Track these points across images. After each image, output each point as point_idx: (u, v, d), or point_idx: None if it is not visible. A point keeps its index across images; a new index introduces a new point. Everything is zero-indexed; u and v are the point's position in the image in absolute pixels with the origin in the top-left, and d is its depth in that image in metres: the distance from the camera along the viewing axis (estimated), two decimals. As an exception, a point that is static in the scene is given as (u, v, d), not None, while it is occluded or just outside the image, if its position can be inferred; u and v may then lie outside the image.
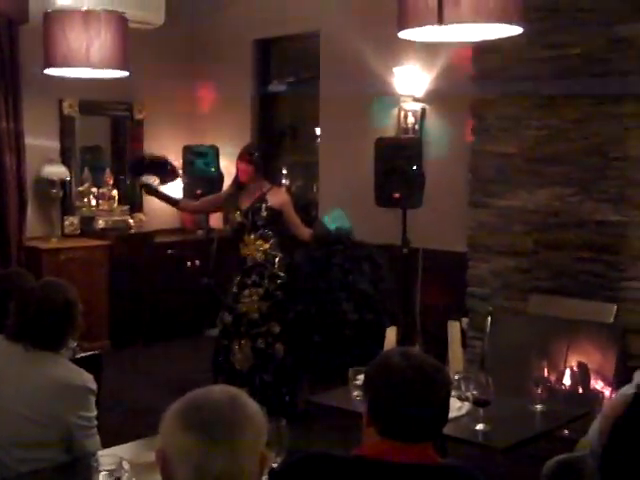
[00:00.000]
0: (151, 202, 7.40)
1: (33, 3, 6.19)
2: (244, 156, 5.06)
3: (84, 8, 4.24)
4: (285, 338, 4.93)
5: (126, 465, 2.34)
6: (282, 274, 4.97)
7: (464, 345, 3.94)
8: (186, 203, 5.75)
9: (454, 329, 3.52)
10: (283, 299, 4.93)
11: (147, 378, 5.89)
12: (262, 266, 4.98)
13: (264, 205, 5.00)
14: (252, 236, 4.98)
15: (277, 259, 4.99)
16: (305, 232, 5.10)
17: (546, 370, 3.46)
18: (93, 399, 2.68)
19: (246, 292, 4.98)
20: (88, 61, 4.01)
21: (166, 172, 5.37)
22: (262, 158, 5.10)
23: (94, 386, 2.69)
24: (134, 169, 5.79)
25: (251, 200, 5.03)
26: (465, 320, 5.40)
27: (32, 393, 2.59)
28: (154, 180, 5.44)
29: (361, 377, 2.93)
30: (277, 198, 5.06)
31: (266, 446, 1.60)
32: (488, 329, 5.14)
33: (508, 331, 5.06)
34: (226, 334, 5.03)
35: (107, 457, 2.36)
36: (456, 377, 3.31)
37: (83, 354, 3.59)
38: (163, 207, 7.47)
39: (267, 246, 4.99)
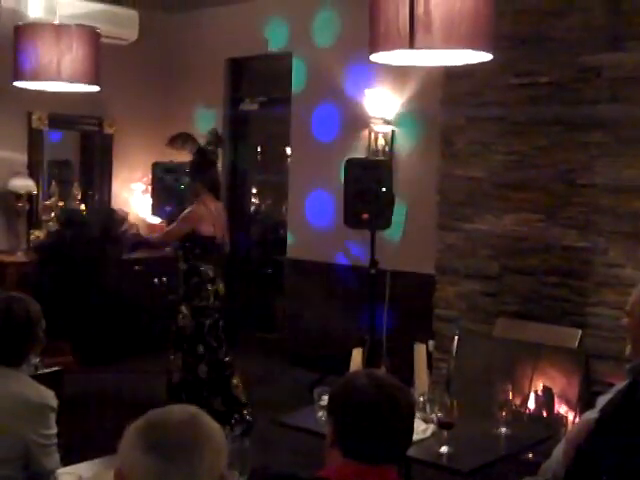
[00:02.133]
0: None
1: (5, 15, 6.14)
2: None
3: (56, 22, 4.21)
4: (210, 358, 4.95)
5: (85, 484, 2.30)
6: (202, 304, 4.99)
7: (430, 367, 3.93)
8: (159, 236, 5.86)
9: (420, 351, 3.51)
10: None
11: (111, 395, 5.81)
12: (188, 284, 5.01)
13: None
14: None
15: (209, 288, 5.00)
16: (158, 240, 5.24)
17: (511, 393, 3.45)
18: (53, 416, 2.63)
19: (183, 307, 5.00)
20: (59, 75, 3.98)
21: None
22: (198, 173, 5.09)
23: (55, 403, 2.65)
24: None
25: None
26: (431, 342, 5.39)
27: (-9, 409, 2.54)
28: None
29: (326, 398, 2.92)
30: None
31: (229, 466, 1.57)
32: (454, 351, 5.15)
33: (474, 354, 5.07)
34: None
35: (66, 475, 2.32)
36: (421, 399, 3.30)
37: (45, 370, 3.54)
38: (131, 223, 7.46)
39: (184, 267, 5.01)
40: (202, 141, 5.21)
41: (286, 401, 5.19)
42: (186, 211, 5.01)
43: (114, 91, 6.57)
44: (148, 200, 6.68)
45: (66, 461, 2.65)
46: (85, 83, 4.14)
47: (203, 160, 5.10)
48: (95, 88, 4.25)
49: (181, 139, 5.22)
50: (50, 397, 2.64)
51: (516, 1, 5.15)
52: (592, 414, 2.59)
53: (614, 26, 4.81)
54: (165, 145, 5.23)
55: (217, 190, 5.19)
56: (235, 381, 5.04)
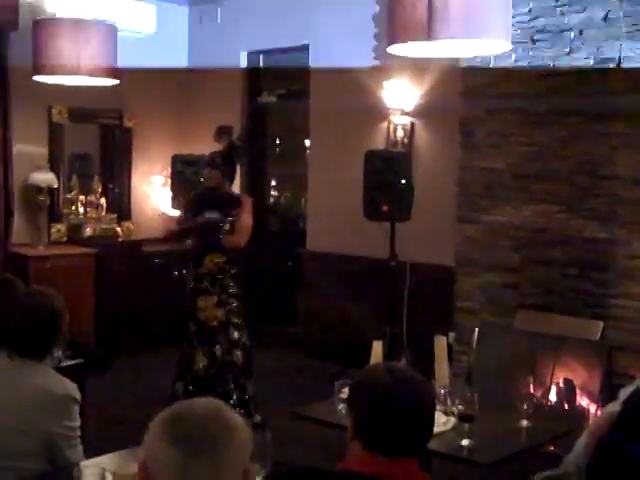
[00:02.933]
0: (139, 210, 7.41)
1: (23, 10, 6.18)
2: (209, 162, 5.12)
3: (75, 16, 4.24)
4: (244, 344, 5.01)
5: (109, 476, 2.33)
6: (232, 284, 5.03)
7: (450, 359, 3.93)
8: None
9: (441, 344, 3.51)
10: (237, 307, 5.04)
11: (132, 388, 5.85)
12: (212, 275, 5.03)
13: (224, 218, 5.04)
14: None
15: (232, 271, 5.03)
16: (239, 238, 5.07)
17: (532, 386, 3.46)
18: (77, 408, 2.66)
19: (200, 301, 5.02)
20: (78, 69, 4.01)
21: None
22: (227, 163, 5.13)
23: (78, 395, 2.67)
24: None
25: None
26: (452, 335, 5.39)
27: (15, 402, 2.57)
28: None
29: (346, 390, 2.93)
30: (235, 208, 5.07)
31: (251, 459, 1.58)
32: (475, 344, 5.15)
33: (495, 346, 5.06)
34: (190, 342, 5.10)
35: (90, 468, 2.34)
36: (442, 392, 3.30)
37: (67, 363, 3.58)
38: (151, 216, 7.51)
39: (222, 260, 5.02)
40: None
41: (306, 393, 5.20)
42: (246, 198, 5.11)
43: (133, 84, 6.59)
44: (168, 193, 6.70)
45: (89, 453, 2.68)
46: (104, 77, 4.17)
47: (231, 154, 5.16)
48: (114, 81, 4.28)
49: (219, 131, 5.26)
50: (73, 389, 2.66)
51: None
52: (615, 406, 2.58)
53: (634, 16, 4.77)
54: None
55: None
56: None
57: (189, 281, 5.19)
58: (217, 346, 5.04)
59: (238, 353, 5.02)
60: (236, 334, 5.03)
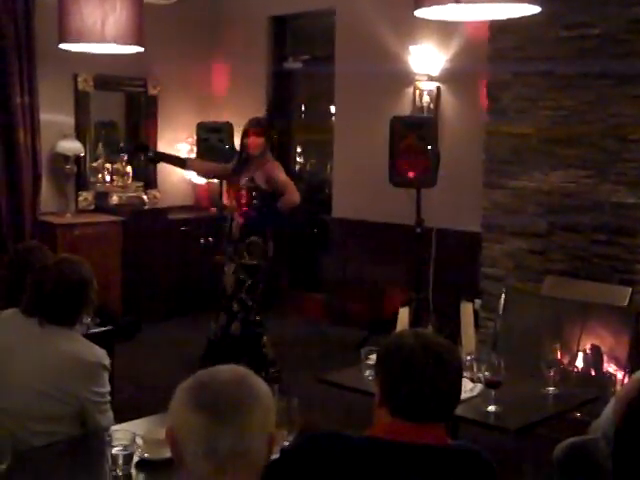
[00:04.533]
0: (165, 179, 7.43)
1: (49, -23, 6.17)
2: (255, 127, 5.04)
3: (100, -17, 4.22)
4: (243, 316, 5.03)
5: (139, 440, 2.36)
6: (247, 254, 5.02)
7: (477, 326, 3.93)
8: (193, 162, 5.79)
9: (467, 310, 3.51)
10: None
11: (160, 354, 5.92)
12: (236, 242, 5.05)
13: (254, 185, 5.02)
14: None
15: (251, 238, 5.02)
16: (291, 198, 5.04)
17: (559, 352, 3.45)
18: (106, 375, 2.69)
19: (226, 266, 5.10)
20: (103, 36, 3.99)
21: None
22: (271, 130, 5.12)
23: (107, 362, 2.70)
24: (137, 150, 5.88)
25: (250, 174, 5.04)
26: (478, 301, 5.39)
27: (46, 367, 2.61)
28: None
29: (373, 357, 2.94)
30: (264, 174, 5.02)
31: (277, 425, 1.60)
32: (501, 310, 5.14)
33: (521, 313, 5.05)
34: (219, 304, 5.20)
35: (120, 432, 2.37)
36: (468, 358, 3.30)
37: (96, 330, 3.62)
38: (177, 184, 7.53)
39: (242, 222, 5.05)
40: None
41: (332, 360, 5.24)
42: (281, 173, 5.06)
43: (158, 52, 6.57)
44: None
45: (119, 419, 2.72)
46: (129, 44, 4.15)
47: (273, 119, 5.18)
48: (139, 49, 4.26)
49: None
50: (103, 356, 2.70)
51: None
52: (642, 373, 2.57)
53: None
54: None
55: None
56: (264, 339, 5.11)
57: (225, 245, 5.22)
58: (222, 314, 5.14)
59: (236, 325, 5.05)
60: (235, 306, 5.05)
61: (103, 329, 3.82)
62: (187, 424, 1.51)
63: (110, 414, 2.69)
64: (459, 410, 2.08)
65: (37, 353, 2.64)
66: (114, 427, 2.56)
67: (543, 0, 2.78)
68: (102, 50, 4.37)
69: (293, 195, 5.04)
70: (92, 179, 7.06)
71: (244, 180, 5.04)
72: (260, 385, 1.58)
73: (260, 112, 7.25)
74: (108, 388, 2.70)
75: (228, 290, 5.08)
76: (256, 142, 5.00)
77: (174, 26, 7.34)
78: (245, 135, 5.06)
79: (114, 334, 3.97)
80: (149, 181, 7.40)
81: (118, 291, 6.57)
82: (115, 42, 4.06)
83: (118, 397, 2.96)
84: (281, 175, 5.05)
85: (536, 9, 2.81)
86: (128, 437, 2.31)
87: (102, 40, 4.02)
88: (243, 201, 5.05)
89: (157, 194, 7.42)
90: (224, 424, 1.50)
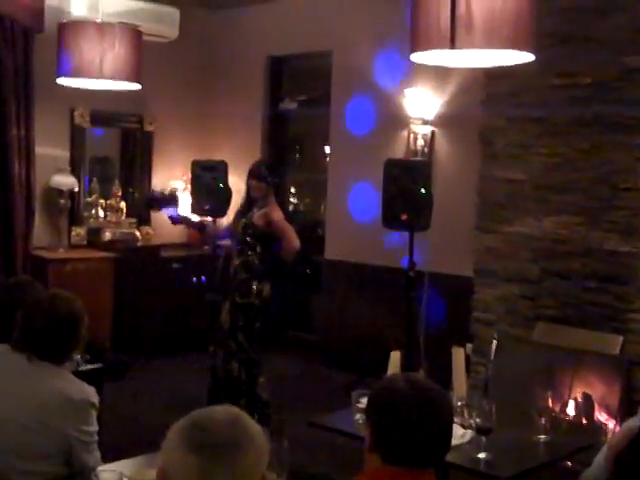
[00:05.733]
0: (159, 216, 7.43)
1: (49, 13, 6.24)
2: (255, 173, 5.09)
3: (99, 20, 4.28)
4: (241, 356, 5.00)
5: (126, 481, 2.34)
6: (239, 294, 5.01)
7: (468, 371, 3.92)
8: (213, 227, 5.67)
9: (458, 355, 3.50)
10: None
11: (150, 393, 5.87)
12: (235, 280, 5.04)
13: (250, 223, 5.03)
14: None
15: (254, 287, 5.01)
16: (291, 245, 5.05)
17: (550, 400, 3.45)
18: (94, 413, 2.67)
19: (223, 303, 5.09)
20: (101, 72, 4.04)
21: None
22: (272, 175, 5.14)
23: (96, 400, 2.68)
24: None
25: (251, 214, 5.07)
26: (470, 346, 5.37)
27: (33, 404, 2.58)
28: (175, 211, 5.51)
29: (364, 400, 2.92)
30: (261, 216, 5.04)
31: (267, 467, 1.59)
32: (492, 355, 5.13)
33: (513, 358, 5.04)
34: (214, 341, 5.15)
35: (107, 473, 2.35)
36: (459, 404, 3.29)
37: (86, 367, 3.59)
38: (169, 222, 7.53)
39: (237, 262, 5.03)
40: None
41: (322, 403, 5.21)
42: (278, 212, 5.07)
43: (155, 89, 6.63)
44: (188, 198, 6.72)
45: (107, 459, 2.69)
46: (127, 81, 4.19)
47: (276, 164, 5.19)
48: (136, 86, 4.31)
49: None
50: (91, 394, 2.67)
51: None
52: (634, 422, 2.57)
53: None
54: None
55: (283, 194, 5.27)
56: (261, 380, 5.09)
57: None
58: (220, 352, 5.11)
59: (234, 364, 5.03)
60: (232, 345, 5.03)
61: (92, 367, 3.80)
62: (180, 465, 1.51)
63: (97, 454, 2.66)
64: (450, 456, 2.07)
65: (24, 389, 2.61)
66: (101, 467, 2.53)
67: (537, 48, 2.82)
68: (99, 86, 4.41)
69: (292, 241, 5.06)
70: (85, 214, 7.07)
71: (243, 220, 5.08)
72: (253, 426, 1.58)
73: (255, 151, 7.30)
74: (96, 427, 2.67)
75: (224, 327, 5.07)
76: (257, 187, 5.06)
77: (172, 64, 7.42)
78: (248, 177, 5.13)
79: (103, 372, 3.94)
80: (142, 218, 7.42)
81: (109, 328, 6.55)
82: (113, 78, 4.10)
83: (106, 436, 2.93)
84: (278, 217, 5.06)
85: (530, 57, 2.85)
86: (115, 478, 2.29)
87: (100, 76, 4.06)
88: (240, 239, 5.07)
89: (150, 231, 7.42)
90: (218, 465, 1.49)
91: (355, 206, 6.70)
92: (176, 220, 5.40)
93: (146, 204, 5.69)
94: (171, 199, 5.47)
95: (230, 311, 5.04)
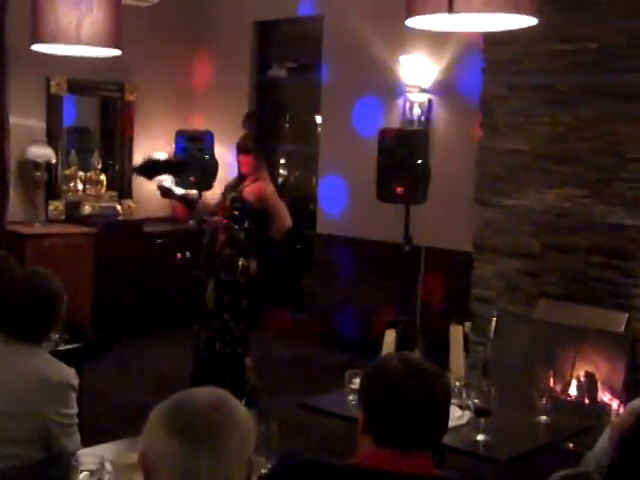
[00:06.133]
0: (141, 188, 7.39)
1: (23, -25, 6.16)
2: (242, 147, 5.07)
3: (77, -18, 4.22)
4: (225, 336, 5.01)
5: (108, 465, 2.34)
6: (231, 279, 5.00)
7: (466, 350, 3.93)
8: (204, 204, 5.62)
9: (456, 333, 3.50)
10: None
11: (132, 373, 5.88)
12: (220, 256, 5.03)
13: (240, 197, 5.01)
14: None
15: (239, 263, 5.00)
16: (282, 225, 5.06)
17: (552, 379, 3.47)
18: (74, 395, 2.67)
19: (209, 282, 5.07)
20: (78, 38, 3.98)
21: (178, 170, 5.38)
22: (260, 147, 5.12)
23: (75, 382, 2.68)
24: (146, 171, 5.68)
25: (241, 189, 5.05)
26: (468, 324, 5.39)
27: (10, 386, 2.58)
28: (166, 180, 5.40)
29: (357, 381, 2.93)
30: (252, 191, 5.02)
31: (255, 451, 1.59)
32: (492, 334, 5.15)
33: (513, 337, 5.06)
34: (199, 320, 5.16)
35: (88, 457, 2.35)
36: (457, 384, 3.30)
37: (65, 347, 3.59)
38: (153, 194, 7.48)
39: (223, 237, 5.02)
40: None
41: (314, 384, 5.23)
42: (270, 188, 5.06)
43: (136, 56, 6.57)
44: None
45: (87, 442, 2.69)
46: (106, 47, 4.13)
47: (264, 135, 5.16)
48: (116, 52, 4.25)
49: (248, 117, 5.26)
50: (71, 375, 2.67)
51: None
52: (639, 402, 2.58)
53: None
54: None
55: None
56: (247, 361, 5.10)
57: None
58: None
59: (218, 344, 5.04)
60: (216, 323, 5.02)
61: (72, 346, 3.80)
62: (162, 449, 1.50)
63: (77, 437, 2.66)
64: (447, 439, 2.08)
65: (1, 372, 2.61)
66: (81, 451, 2.53)
67: (540, 12, 2.79)
68: (77, 53, 4.36)
69: (284, 221, 5.06)
70: (63, 187, 7.03)
71: (232, 193, 5.06)
72: (239, 408, 1.57)
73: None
74: (76, 410, 2.67)
75: (209, 306, 5.07)
76: (245, 161, 5.04)
77: (154, 29, 7.35)
78: (237, 153, 5.11)
79: (83, 352, 3.94)
80: (123, 191, 7.39)
81: (89, 306, 6.54)
82: (91, 44, 4.05)
83: (86, 419, 2.94)
84: (269, 193, 5.05)
85: (533, 21, 2.83)
86: (96, 462, 2.29)
87: (77, 42, 4.00)
88: (227, 214, 5.05)
89: (132, 204, 7.40)
90: (201, 449, 1.49)
91: (348, 178, 6.68)
92: (168, 193, 5.33)
93: (142, 169, 5.59)
94: (179, 164, 5.36)
95: (215, 289, 5.03)
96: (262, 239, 5.12)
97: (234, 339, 5.05)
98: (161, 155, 5.76)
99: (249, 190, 5.02)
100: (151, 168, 5.35)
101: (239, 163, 5.11)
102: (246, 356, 5.10)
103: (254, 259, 5.06)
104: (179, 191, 5.30)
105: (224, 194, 5.19)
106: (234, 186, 5.13)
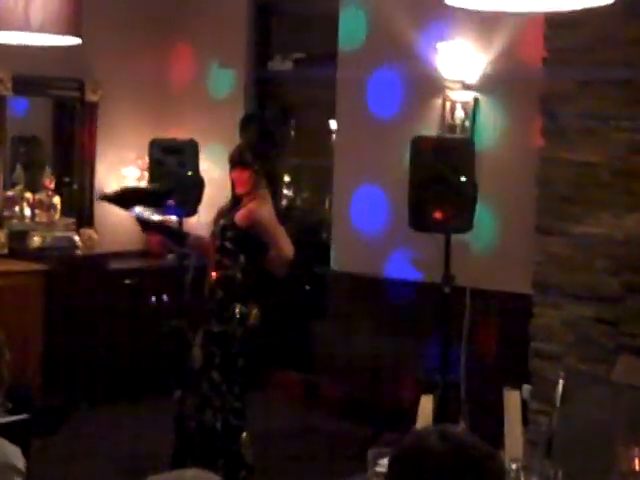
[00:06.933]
0: (106, 215, 7.43)
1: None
2: (237, 160, 5.09)
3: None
4: (217, 404, 5.03)
5: None
6: (215, 322, 5.03)
7: (525, 422, 3.92)
8: (197, 239, 5.54)
9: (512, 400, 3.50)
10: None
11: (94, 453, 5.88)
12: (210, 301, 5.08)
13: (230, 224, 5.04)
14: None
15: (236, 310, 5.02)
16: (280, 254, 5.08)
17: (637, 461, 3.43)
18: (18, 480, 2.67)
19: (197, 335, 5.11)
20: (27, 23, 4.03)
21: (162, 201, 5.43)
22: (260, 159, 5.12)
23: (21, 463, 2.69)
24: (122, 202, 5.69)
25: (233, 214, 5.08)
26: (527, 387, 5.38)
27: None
28: (145, 211, 5.43)
29: (384, 462, 2.92)
30: (243, 214, 5.04)
31: None
32: (558, 401, 5.12)
33: (585, 404, 5.03)
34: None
35: None
36: (513, 467, 3.29)
37: (7, 419, 3.58)
38: (120, 222, 7.53)
39: (213, 277, 5.06)
40: None
41: (327, 466, 5.22)
42: (265, 209, 5.08)
43: (100, 46, 6.65)
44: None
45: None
46: (61, 34, 4.19)
47: (267, 144, 5.18)
48: (75, 41, 4.30)
49: (246, 120, 5.29)
50: (14, 455, 2.68)
51: None
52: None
53: None
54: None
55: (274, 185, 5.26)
56: (244, 435, 5.10)
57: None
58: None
59: (209, 413, 5.05)
60: (205, 387, 5.05)
61: (16, 418, 3.80)
62: None
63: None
64: (501, 538, 2.07)
65: None
66: None
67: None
68: (25, 41, 4.41)
69: (282, 250, 5.06)
70: (6, 213, 7.07)
71: (222, 220, 5.07)
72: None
73: (234, 127, 7.30)
74: (20, 500, 2.67)
75: (195, 365, 5.07)
76: (241, 178, 5.05)
77: (122, 13, 7.43)
78: (230, 167, 5.13)
79: (31, 425, 3.94)
80: (83, 217, 7.43)
81: (38, 365, 6.55)
82: (42, 31, 4.10)
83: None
84: (264, 216, 5.05)
85: (607, 0, 2.85)
86: None
87: (25, 29, 4.06)
88: (217, 246, 5.07)
89: (94, 235, 7.43)
90: None
91: (370, 201, 6.70)
92: (151, 227, 5.34)
93: (118, 199, 5.56)
94: (164, 194, 5.40)
95: (203, 344, 5.04)
96: (263, 278, 5.13)
97: (227, 408, 5.05)
98: (141, 183, 5.80)
99: (241, 214, 5.03)
100: (130, 199, 5.38)
101: (233, 181, 5.12)
102: (242, 429, 5.10)
103: (254, 305, 5.06)
104: (155, 218, 5.33)
105: (214, 222, 5.21)
106: (227, 211, 5.15)
